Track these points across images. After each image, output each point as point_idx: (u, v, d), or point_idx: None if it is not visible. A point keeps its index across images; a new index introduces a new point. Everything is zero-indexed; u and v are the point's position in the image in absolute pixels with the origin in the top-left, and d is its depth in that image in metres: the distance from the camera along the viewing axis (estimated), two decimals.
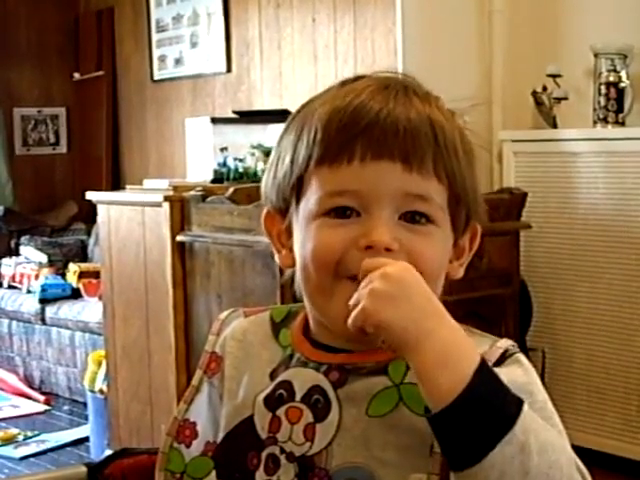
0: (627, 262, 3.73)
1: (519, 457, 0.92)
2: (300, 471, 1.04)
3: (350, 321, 0.97)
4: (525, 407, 0.94)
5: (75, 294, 5.62)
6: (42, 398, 5.42)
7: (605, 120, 3.90)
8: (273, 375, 1.11)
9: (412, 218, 1.04)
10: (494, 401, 0.93)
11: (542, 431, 0.95)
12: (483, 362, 0.94)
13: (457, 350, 0.94)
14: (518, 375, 1.02)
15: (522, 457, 0.92)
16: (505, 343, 1.05)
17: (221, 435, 1.12)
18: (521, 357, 1.04)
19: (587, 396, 3.91)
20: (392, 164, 1.02)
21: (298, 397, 1.07)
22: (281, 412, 1.08)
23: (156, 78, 6.05)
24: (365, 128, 1.03)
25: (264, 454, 1.07)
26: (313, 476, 1.03)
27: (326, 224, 1.04)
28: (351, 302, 0.97)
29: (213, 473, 1.11)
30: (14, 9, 6.63)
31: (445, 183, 1.05)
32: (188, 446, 1.14)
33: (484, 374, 0.94)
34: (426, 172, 1.03)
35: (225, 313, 1.22)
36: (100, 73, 6.49)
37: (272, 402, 1.09)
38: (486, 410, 0.92)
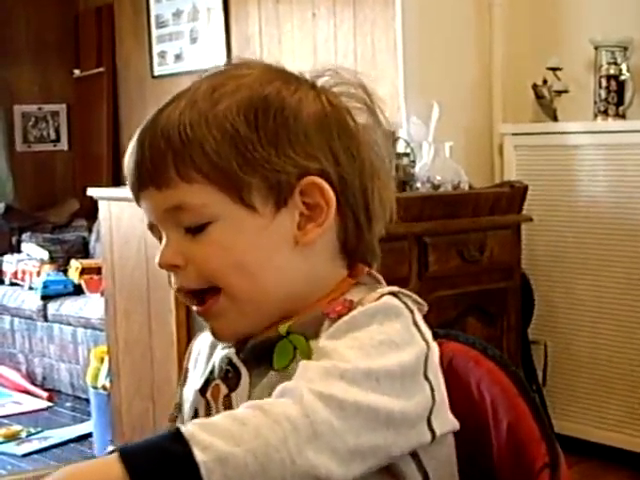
0: (629, 254, 3.74)
1: (223, 470, 0.87)
2: None
3: None
4: (188, 434, 0.88)
5: (77, 290, 5.62)
6: (45, 395, 5.42)
7: (606, 113, 3.90)
8: (207, 366, 1.15)
9: (196, 228, 1.07)
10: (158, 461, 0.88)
11: (229, 435, 0.89)
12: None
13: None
14: (357, 310, 1.03)
15: (225, 469, 0.87)
16: (385, 289, 1.06)
17: None
18: (386, 298, 1.04)
19: (590, 389, 3.91)
20: (148, 191, 1.08)
21: (216, 375, 1.12)
22: (209, 394, 1.12)
23: (156, 74, 6.04)
24: (128, 165, 1.10)
25: None
26: None
27: None
28: None
29: None
30: (14, 6, 6.63)
31: (204, 178, 1.06)
32: None
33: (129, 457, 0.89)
34: (172, 182, 1.06)
35: (201, 332, 1.25)
36: (100, 69, 6.48)
37: (203, 388, 1.13)
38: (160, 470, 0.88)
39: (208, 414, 1.10)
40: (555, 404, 3.93)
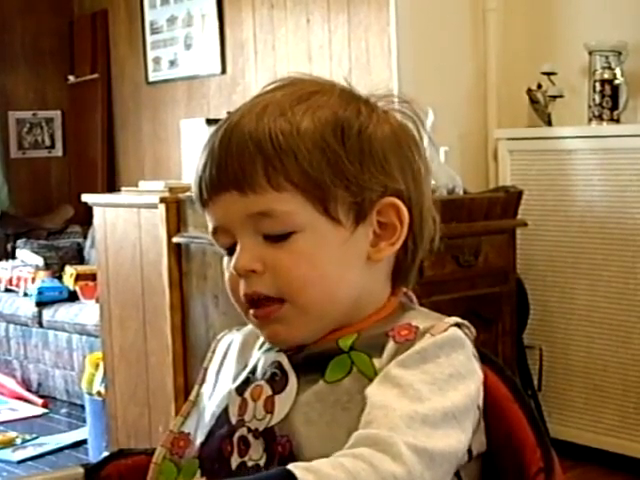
0: (624, 259, 3.74)
1: None
2: (266, 444, 1.07)
3: None
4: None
5: (72, 297, 5.61)
6: (40, 401, 5.41)
7: (600, 117, 3.90)
8: (246, 366, 1.16)
9: (278, 236, 1.08)
10: None
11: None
12: None
13: None
14: (427, 340, 1.05)
15: None
16: (451, 320, 1.09)
17: (204, 434, 1.15)
18: (452, 330, 1.07)
19: (585, 393, 3.91)
20: (229, 194, 1.08)
21: (259, 376, 1.12)
22: (247, 394, 1.12)
23: (151, 80, 6.04)
24: (204, 167, 1.10)
25: (235, 438, 1.10)
26: (277, 445, 1.06)
27: (226, 260, 1.13)
28: None
29: (198, 472, 1.13)
30: (9, 12, 6.63)
31: (293, 187, 1.07)
32: (181, 456, 1.17)
33: None
34: (260, 188, 1.07)
35: (222, 333, 1.27)
36: (95, 76, 6.48)
37: (241, 387, 1.13)
38: None
39: (242, 413, 1.11)
40: (550, 409, 3.93)
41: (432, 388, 1.01)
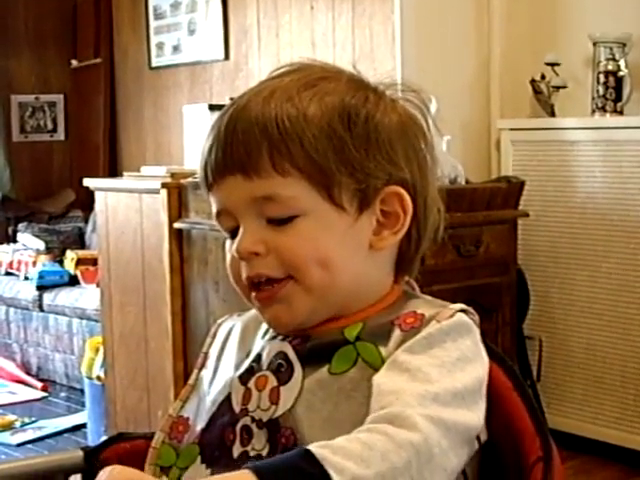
0: (625, 250, 3.74)
1: None
2: (269, 435, 1.07)
3: None
4: (320, 456, 0.91)
5: (72, 281, 5.61)
6: (39, 385, 5.42)
7: (603, 109, 3.90)
8: (248, 354, 1.16)
9: (281, 219, 1.08)
10: None
11: (360, 459, 0.92)
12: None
13: None
14: (433, 326, 1.06)
15: None
16: (456, 306, 1.10)
17: (205, 420, 1.15)
18: (458, 316, 1.08)
19: (584, 385, 3.92)
20: (234, 177, 1.08)
21: (265, 366, 1.12)
22: (251, 383, 1.12)
23: (154, 65, 6.03)
24: (210, 151, 1.10)
25: (238, 427, 1.10)
26: (281, 437, 1.06)
27: (229, 244, 1.13)
28: None
29: (198, 459, 1.13)
30: None
31: (298, 172, 1.07)
32: (180, 441, 1.17)
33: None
34: (265, 172, 1.07)
35: (222, 318, 1.27)
36: (98, 60, 6.47)
37: (244, 376, 1.13)
38: None
39: (246, 402, 1.11)
40: (549, 399, 3.94)
41: (441, 370, 1.01)
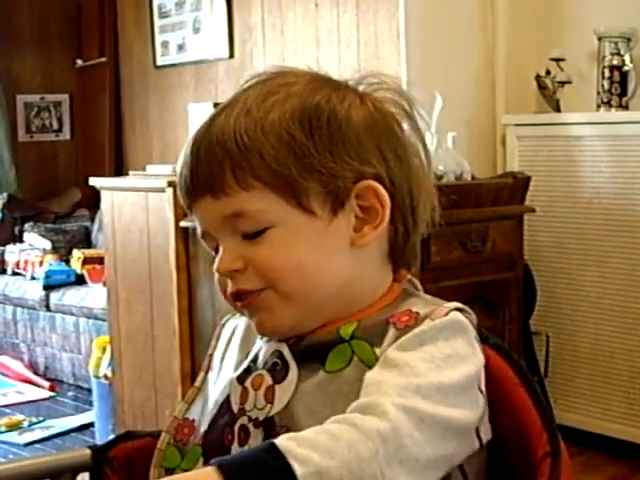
0: (631, 245, 3.74)
1: None
2: (265, 434, 1.07)
3: None
4: (284, 448, 0.91)
5: (79, 280, 5.62)
6: (47, 384, 5.43)
7: (609, 104, 3.89)
8: (248, 354, 1.16)
9: (254, 233, 1.08)
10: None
11: (325, 450, 0.92)
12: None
13: None
14: (426, 324, 1.05)
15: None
16: (451, 305, 1.09)
17: (208, 422, 1.16)
18: (453, 314, 1.07)
19: (592, 380, 3.91)
20: (204, 199, 1.10)
21: (260, 365, 1.13)
22: (248, 383, 1.12)
23: (159, 64, 6.03)
24: (180, 175, 1.12)
25: (236, 427, 1.11)
26: (276, 435, 1.04)
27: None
28: None
29: (201, 460, 1.14)
30: None
31: (262, 184, 1.07)
32: (186, 443, 1.18)
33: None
34: (230, 190, 1.08)
35: (225, 317, 1.28)
36: (103, 59, 6.48)
37: (242, 376, 1.14)
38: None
39: (243, 402, 1.11)
40: (556, 395, 3.93)
41: (430, 365, 1.01)
